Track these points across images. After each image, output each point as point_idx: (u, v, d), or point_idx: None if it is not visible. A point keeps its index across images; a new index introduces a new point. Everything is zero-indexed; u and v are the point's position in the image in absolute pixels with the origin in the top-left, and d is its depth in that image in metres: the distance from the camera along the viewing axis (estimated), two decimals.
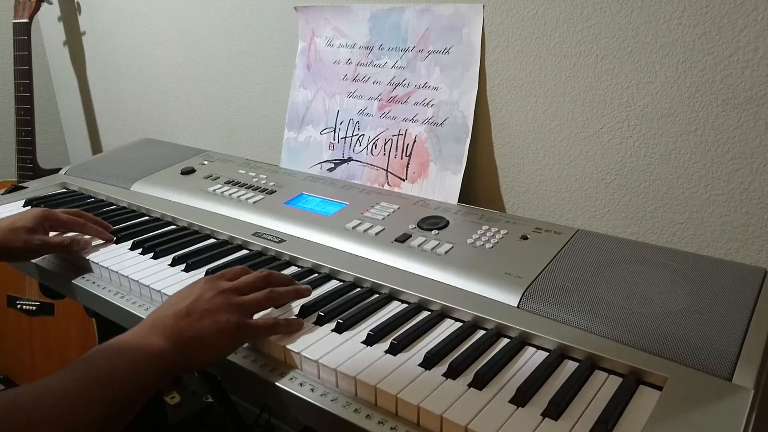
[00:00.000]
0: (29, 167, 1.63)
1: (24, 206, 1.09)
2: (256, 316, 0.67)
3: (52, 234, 0.89)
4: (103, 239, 0.91)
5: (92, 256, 0.86)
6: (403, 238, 0.82)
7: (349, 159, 1.07)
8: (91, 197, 1.14)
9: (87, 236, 0.91)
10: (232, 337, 0.62)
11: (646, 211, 0.85)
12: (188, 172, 1.15)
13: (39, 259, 0.92)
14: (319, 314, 0.68)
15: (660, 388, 0.55)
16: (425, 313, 0.70)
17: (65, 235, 0.89)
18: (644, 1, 0.77)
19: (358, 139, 1.06)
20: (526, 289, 0.68)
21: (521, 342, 0.63)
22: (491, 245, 0.78)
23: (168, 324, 0.60)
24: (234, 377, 0.65)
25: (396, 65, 1.01)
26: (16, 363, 1.62)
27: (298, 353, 0.61)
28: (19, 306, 1.58)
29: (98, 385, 0.52)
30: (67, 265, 0.90)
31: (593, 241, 0.78)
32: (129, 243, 0.90)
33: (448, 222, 0.85)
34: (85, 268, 0.88)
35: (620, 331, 0.61)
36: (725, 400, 0.52)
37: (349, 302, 0.71)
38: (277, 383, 0.60)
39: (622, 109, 0.83)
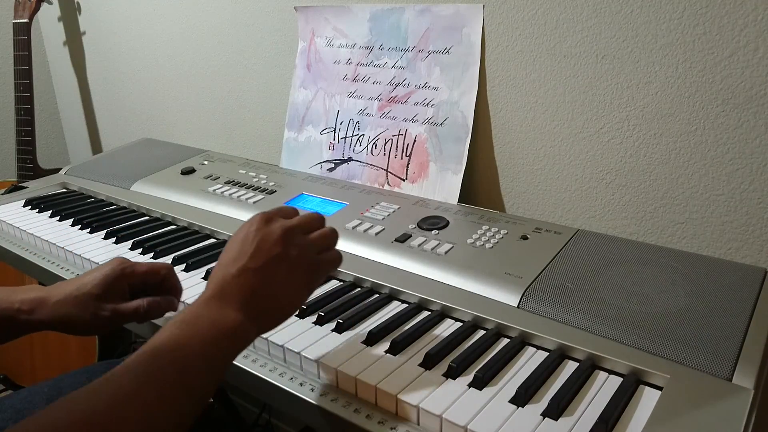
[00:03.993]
0: (29, 167, 1.63)
1: (24, 206, 1.09)
2: None
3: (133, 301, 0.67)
4: (169, 303, 0.69)
5: (91, 256, 0.86)
6: (403, 238, 0.82)
7: (349, 159, 1.07)
8: (91, 197, 1.14)
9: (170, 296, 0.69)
10: (306, 285, 0.56)
11: (646, 211, 0.85)
12: (188, 172, 1.15)
13: (38, 259, 0.92)
14: (319, 314, 0.68)
15: (660, 388, 0.55)
16: (425, 313, 0.70)
17: (143, 300, 0.66)
18: (644, 1, 0.77)
19: (358, 139, 1.06)
20: (526, 289, 0.68)
21: (521, 342, 0.63)
22: (491, 245, 0.78)
23: (236, 287, 0.52)
24: (234, 377, 0.65)
25: (396, 65, 1.01)
26: (16, 363, 1.62)
27: (298, 353, 0.61)
28: None
29: (175, 382, 0.46)
30: (67, 265, 0.90)
31: (593, 241, 0.78)
32: (129, 243, 0.90)
33: (448, 222, 0.85)
34: (85, 269, 0.87)
35: (620, 331, 0.61)
36: (725, 400, 0.52)
37: (349, 302, 0.71)
38: (277, 383, 0.60)
39: (622, 109, 0.83)
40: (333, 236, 0.60)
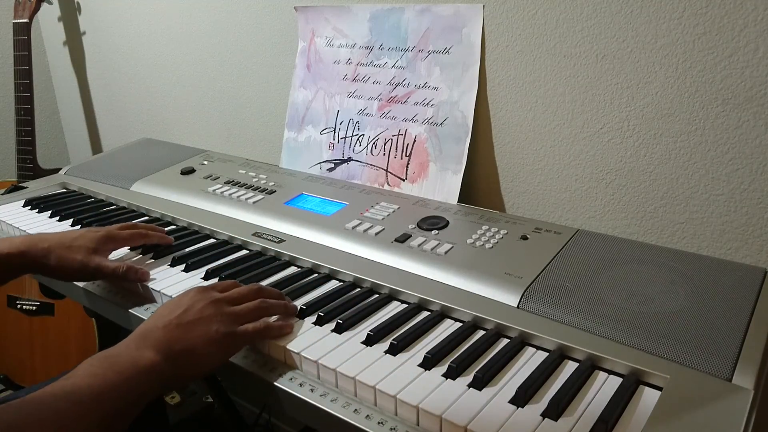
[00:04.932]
0: (29, 167, 1.63)
1: (24, 206, 1.09)
2: None
3: (112, 258, 0.82)
4: (166, 243, 0.87)
5: None
6: (403, 238, 0.82)
7: (349, 159, 1.07)
8: (91, 197, 1.14)
9: (146, 269, 0.80)
10: (223, 348, 0.61)
11: (646, 211, 0.85)
12: (188, 172, 1.15)
13: None
14: (319, 314, 0.68)
15: (660, 388, 0.55)
16: (425, 313, 0.70)
17: (123, 263, 0.79)
18: (644, 1, 0.77)
19: (358, 139, 1.06)
20: (526, 289, 0.68)
21: (521, 342, 0.63)
22: (491, 245, 0.78)
23: (158, 336, 0.59)
24: (234, 377, 0.65)
25: (396, 65, 1.01)
26: (16, 363, 1.62)
27: (298, 353, 0.61)
28: (19, 306, 1.58)
29: (90, 400, 0.52)
30: None
31: (593, 241, 0.78)
32: None
33: (448, 222, 0.85)
34: None
35: (620, 331, 0.61)
36: (725, 400, 0.52)
37: (349, 302, 0.71)
38: (277, 383, 0.60)
39: (622, 109, 0.83)
40: (257, 310, 0.65)
